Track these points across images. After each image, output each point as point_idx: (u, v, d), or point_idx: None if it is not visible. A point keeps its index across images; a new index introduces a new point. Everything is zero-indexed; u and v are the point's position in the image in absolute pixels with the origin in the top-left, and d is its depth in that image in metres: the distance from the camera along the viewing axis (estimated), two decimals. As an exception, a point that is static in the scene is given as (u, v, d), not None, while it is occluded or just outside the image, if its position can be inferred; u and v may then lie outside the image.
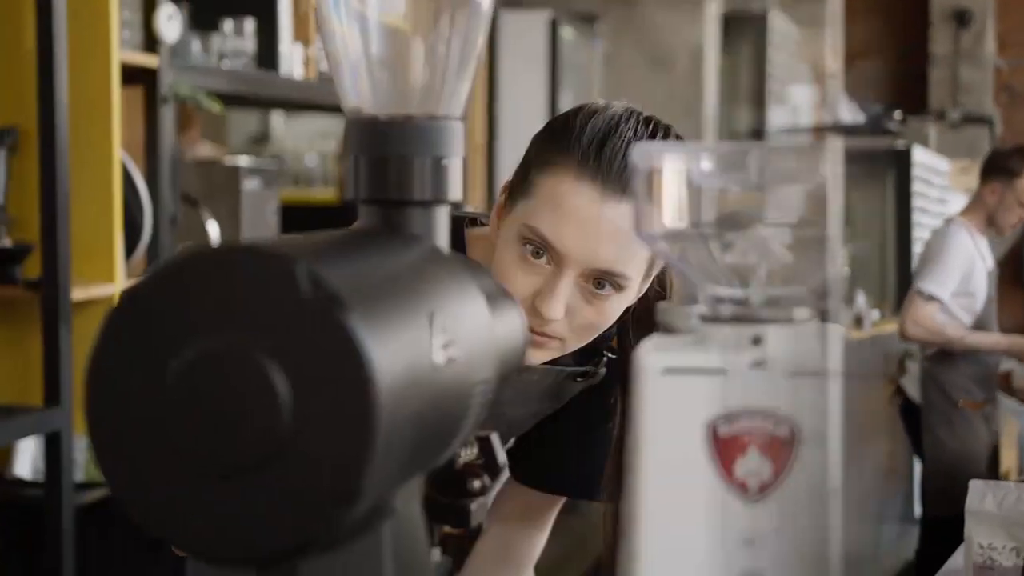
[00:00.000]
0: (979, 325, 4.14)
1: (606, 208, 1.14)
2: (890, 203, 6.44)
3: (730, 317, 0.63)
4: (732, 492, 0.61)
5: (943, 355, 4.14)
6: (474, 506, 0.77)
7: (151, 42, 2.61)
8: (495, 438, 0.78)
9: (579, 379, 1.33)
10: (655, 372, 0.61)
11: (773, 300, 0.63)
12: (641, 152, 0.65)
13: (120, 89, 2.48)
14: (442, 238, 0.71)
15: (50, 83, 2.25)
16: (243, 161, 3.24)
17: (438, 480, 0.76)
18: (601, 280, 1.16)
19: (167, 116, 2.68)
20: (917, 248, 6.23)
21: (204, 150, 4.34)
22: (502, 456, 0.78)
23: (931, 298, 4.07)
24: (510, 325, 0.74)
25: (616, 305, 1.19)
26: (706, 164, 0.64)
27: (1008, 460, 4.79)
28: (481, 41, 0.73)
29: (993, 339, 4.24)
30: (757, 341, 0.61)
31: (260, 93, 3.18)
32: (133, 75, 2.59)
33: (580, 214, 1.14)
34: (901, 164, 6.36)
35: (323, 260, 0.56)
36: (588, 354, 1.33)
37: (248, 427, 0.54)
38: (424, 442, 0.61)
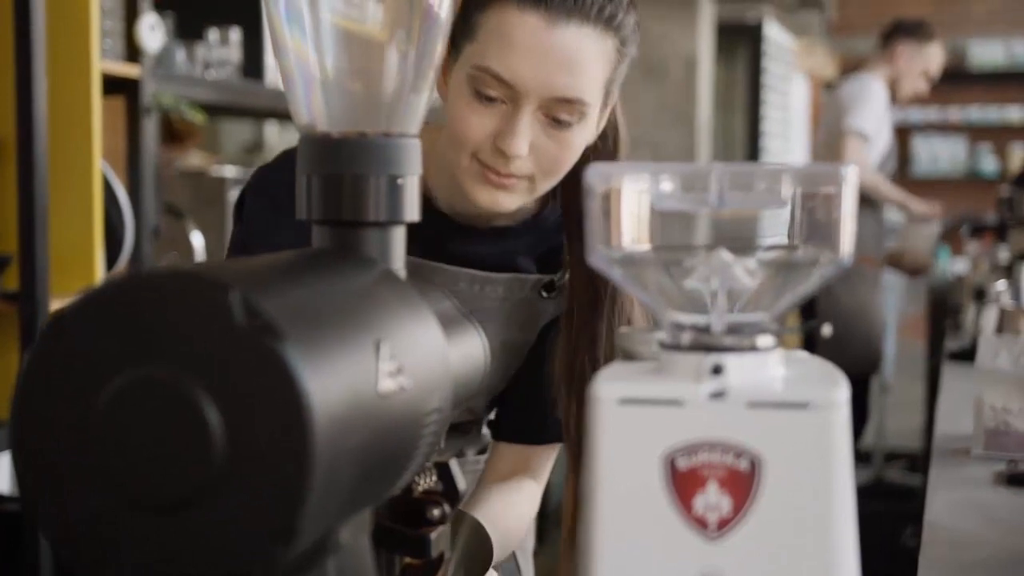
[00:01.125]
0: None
1: (554, 34, 1.12)
2: (741, 77, 6.46)
3: (690, 345, 0.60)
4: (690, 528, 0.58)
5: None
6: (434, 535, 0.74)
7: (134, 52, 2.59)
8: (454, 464, 0.76)
9: (545, 293, 1.29)
10: (611, 402, 0.59)
11: (735, 327, 0.60)
12: (597, 172, 0.62)
13: (102, 99, 2.45)
14: (397, 260, 0.69)
15: (29, 92, 2.23)
16: (230, 172, 3.21)
17: (395, 509, 0.74)
18: (560, 115, 1.15)
19: (149, 126, 2.65)
20: (765, 126, 6.31)
21: (194, 159, 4.31)
22: (462, 483, 0.76)
23: (861, 134, 4.09)
24: (467, 350, 0.72)
25: (578, 137, 1.17)
26: (666, 185, 0.62)
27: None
28: (438, 54, 0.70)
29: (903, 194, 4.33)
30: (718, 370, 0.59)
31: (245, 103, 3.15)
32: (116, 85, 2.57)
33: (529, 43, 1.12)
34: (753, 38, 6.39)
35: (261, 286, 0.54)
36: (549, 264, 1.29)
37: (179, 461, 0.52)
38: (370, 474, 0.58)
